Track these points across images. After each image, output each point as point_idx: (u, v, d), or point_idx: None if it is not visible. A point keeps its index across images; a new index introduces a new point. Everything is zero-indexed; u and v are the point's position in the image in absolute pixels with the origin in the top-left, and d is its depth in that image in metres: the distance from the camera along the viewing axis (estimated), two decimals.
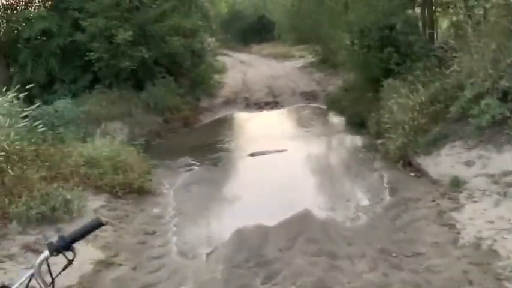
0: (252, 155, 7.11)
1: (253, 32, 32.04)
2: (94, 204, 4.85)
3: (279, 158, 6.80)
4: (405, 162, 5.56)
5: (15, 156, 4.68)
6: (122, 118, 8.90)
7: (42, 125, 5.91)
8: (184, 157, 7.23)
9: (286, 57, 21.52)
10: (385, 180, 5.33)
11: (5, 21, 10.48)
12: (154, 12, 10.14)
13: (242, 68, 19.40)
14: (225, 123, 10.34)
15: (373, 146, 6.53)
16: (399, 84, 6.42)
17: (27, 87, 6.35)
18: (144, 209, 5.21)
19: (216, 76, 12.79)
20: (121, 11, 9.75)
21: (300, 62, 17.79)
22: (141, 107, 9.32)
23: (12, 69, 10.82)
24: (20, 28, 9.93)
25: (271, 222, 4.47)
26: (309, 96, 11.38)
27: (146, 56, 9.52)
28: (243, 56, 25.48)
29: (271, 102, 11.29)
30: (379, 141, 6.30)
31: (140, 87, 10.10)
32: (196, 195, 5.66)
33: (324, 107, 10.43)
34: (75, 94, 10.11)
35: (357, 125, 8.02)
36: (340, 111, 9.27)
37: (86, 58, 9.37)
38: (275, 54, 23.10)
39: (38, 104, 6.95)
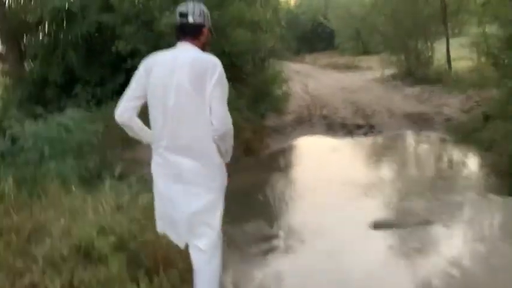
0: (376, 227, 4.06)
1: (306, 41, 29.63)
2: None
3: (427, 240, 3.73)
4: None
5: None
6: None
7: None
8: (255, 219, 4.24)
9: (348, 68, 19.23)
10: None
11: None
12: None
13: (300, 78, 16.68)
14: (305, 153, 7.30)
15: None
16: None
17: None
18: None
19: (283, 86, 9.79)
20: None
21: (371, 74, 15.02)
22: None
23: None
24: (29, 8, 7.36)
25: None
26: (418, 120, 8.16)
27: None
28: (295, 66, 22.87)
29: (364, 126, 8.17)
30: None
31: None
32: None
33: (448, 137, 7.21)
34: (100, 100, 7.48)
35: None
36: (486, 149, 6.06)
37: (113, 49, 6.54)
38: (334, 65, 20.92)
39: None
